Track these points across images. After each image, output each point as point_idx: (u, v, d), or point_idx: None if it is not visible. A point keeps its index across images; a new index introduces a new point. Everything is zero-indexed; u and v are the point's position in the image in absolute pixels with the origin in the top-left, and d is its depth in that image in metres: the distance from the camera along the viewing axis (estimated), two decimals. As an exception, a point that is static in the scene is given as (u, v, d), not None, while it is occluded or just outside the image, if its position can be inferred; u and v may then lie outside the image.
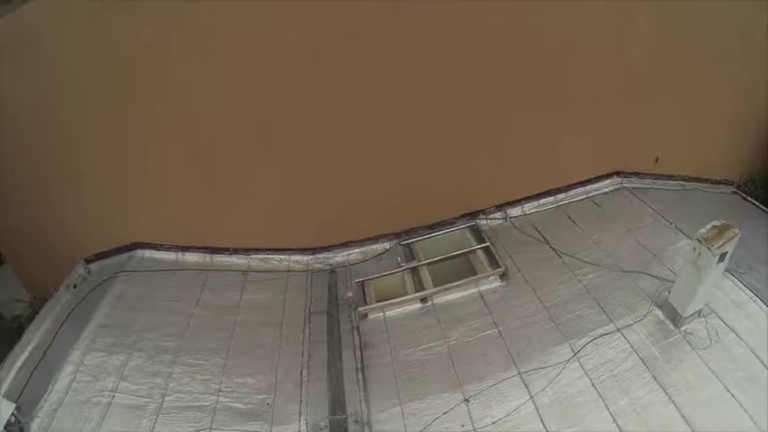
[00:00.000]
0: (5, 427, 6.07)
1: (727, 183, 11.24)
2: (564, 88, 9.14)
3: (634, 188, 10.11)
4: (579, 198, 9.83)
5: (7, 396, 6.46)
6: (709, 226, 6.21)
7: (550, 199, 9.71)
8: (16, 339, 10.33)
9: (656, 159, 10.61)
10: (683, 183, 10.76)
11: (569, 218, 9.31)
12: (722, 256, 6.11)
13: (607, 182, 10.09)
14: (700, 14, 9.36)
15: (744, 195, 11.20)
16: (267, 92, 8.12)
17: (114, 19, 8.10)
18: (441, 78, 8.27)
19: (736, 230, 6.16)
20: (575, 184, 9.95)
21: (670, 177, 10.63)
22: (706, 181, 11.04)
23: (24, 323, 10.81)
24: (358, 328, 7.51)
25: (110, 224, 9.65)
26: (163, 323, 7.85)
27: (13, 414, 6.07)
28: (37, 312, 10.17)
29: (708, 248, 5.96)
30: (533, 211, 9.57)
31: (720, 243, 5.97)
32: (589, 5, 8.58)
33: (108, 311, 8.06)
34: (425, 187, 8.87)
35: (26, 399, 6.82)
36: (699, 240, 6.09)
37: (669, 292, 6.93)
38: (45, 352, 7.73)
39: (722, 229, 6.11)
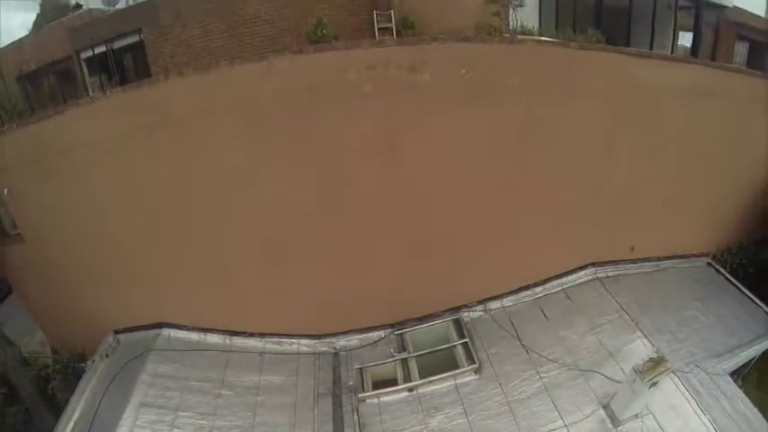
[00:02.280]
0: None
1: (702, 255, 12.36)
2: (544, 191, 10.28)
3: (607, 277, 11.21)
4: (554, 291, 11.04)
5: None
6: (646, 358, 7.84)
7: (528, 293, 10.97)
8: (49, 396, 12.36)
9: (632, 248, 11.65)
10: (657, 263, 11.86)
11: (542, 311, 10.62)
12: (654, 383, 7.66)
13: (582, 273, 11.23)
14: (673, 121, 10.49)
15: (717, 268, 12.31)
16: (283, 215, 9.50)
17: (134, 149, 9.29)
18: (429, 199, 9.63)
19: (668, 364, 7.77)
20: (551, 278, 11.07)
21: (645, 260, 11.68)
22: (681, 257, 12.07)
23: (52, 375, 12.26)
24: (357, 410, 9.14)
25: (137, 302, 10.90)
26: (196, 402, 9.32)
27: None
28: (65, 368, 12.14)
29: (641, 379, 7.57)
30: (511, 304, 10.88)
31: (653, 376, 7.60)
32: (570, 117, 9.72)
33: (146, 390, 9.40)
34: (416, 286, 10.20)
35: None
36: (635, 371, 7.69)
37: (612, 397, 8.42)
38: (91, 424, 9.15)
39: (656, 363, 7.72)
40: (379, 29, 10.17)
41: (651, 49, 13.83)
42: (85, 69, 12.62)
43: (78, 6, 17.21)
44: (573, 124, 9.87)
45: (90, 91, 12.43)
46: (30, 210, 11.06)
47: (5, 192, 11.15)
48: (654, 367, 7.65)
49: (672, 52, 14.10)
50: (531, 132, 9.66)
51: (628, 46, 13.40)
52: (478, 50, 9.06)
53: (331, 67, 8.39)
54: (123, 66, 12.56)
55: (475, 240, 10.18)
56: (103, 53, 12.22)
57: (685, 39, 14.97)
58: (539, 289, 11.10)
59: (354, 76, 8.33)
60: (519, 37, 10.25)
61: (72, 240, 10.77)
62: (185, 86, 8.71)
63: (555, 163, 10.13)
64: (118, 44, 12.06)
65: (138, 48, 11.65)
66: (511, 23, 11.71)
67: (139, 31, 11.51)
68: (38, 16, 29.98)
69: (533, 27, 11.76)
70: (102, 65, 12.39)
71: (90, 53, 12.47)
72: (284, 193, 9.22)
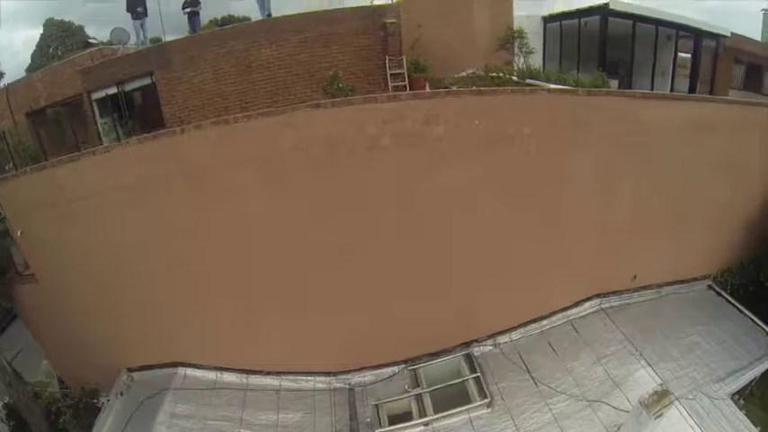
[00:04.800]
0: None
1: (703, 278, 12.74)
2: (550, 228, 10.64)
3: (611, 308, 11.58)
4: (561, 323, 11.33)
5: None
6: (651, 391, 8.05)
7: (535, 326, 11.26)
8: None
9: (634, 277, 12.00)
10: (659, 290, 12.23)
11: (550, 344, 10.90)
12: (659, 416, 7.90)
13: (587, 305, 11.58)
14: (674, 154, 10.91)
15: (717, 290, 12.71)
16: (301, 260, 9.72)
17: (151, 196, 9.46)
18: (442, 242, 9.92)
19: (672, 396, 8.05)
20: (558, 311, 11.37)
21: (647, 288, 12.05)
22: (682, 282, 12.48)
23: (63, 409, 12.18)
24: None
25: (152, 341, 11.08)
26: None
27: None
28: (77, 403, 12.08)
29: (647, 413, 7.82)
30: (519, 337, 11.13)
31: (658, 408, 7.85)
32: (576, 159, 10.09)
33: (165, 431, 9.52)
34: (429, 323, 10.42)
35: None
36: (641, 404, 7.93)
37: (619, 428, 8.69)
38: None
39: (661, 396, 7.95)
40: (391, 74, 10.50)
41: (653, 76, 14.41)
42: (97, 110, 12.76)
43: (89, 45, 17.39)
44: (579, 165, 10.24)
45: (101, 132, 12.60)
46: (43, 250, 11.18)
47: (19, 233, 11.31)
48: (659, 400, 7.89)
49: (672, 80, 14.59)
50: (539, 176, 10.01)
51: (631, 73, 14.09)
52: (492, 102, 9.40)
53: (349, 121, 8.67)
54: (135, 107, 12.76)
55: (485, 278, 10.47)
56: (115, 94, 12.38)
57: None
58: (545, 322, 11.38)
59: (372, 130, 8.61)
60: (528, 82, 10.63)
61: (86, 281, 10.93)
62: (203, 139, 8.94)
63: (561, 202, 10.51)
64: (129, 86, 12.24)
65: (151, 90, 11.83)
66: (517, 66, 12.17)
67: (151, 73, 11.69)
68: (41, 37, 30.08)
69: (538, 67, 12.14)
70: (113, 106, 12.54)
71: (101, 94, 12.60)
72: (303, 240, 9.45)
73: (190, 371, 10.85)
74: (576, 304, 11.53)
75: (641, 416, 7.96)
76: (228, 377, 10.76)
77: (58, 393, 13.18)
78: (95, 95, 12.81)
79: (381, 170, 8.92)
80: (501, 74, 11.02)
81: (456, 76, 11.60)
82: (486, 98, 9.30)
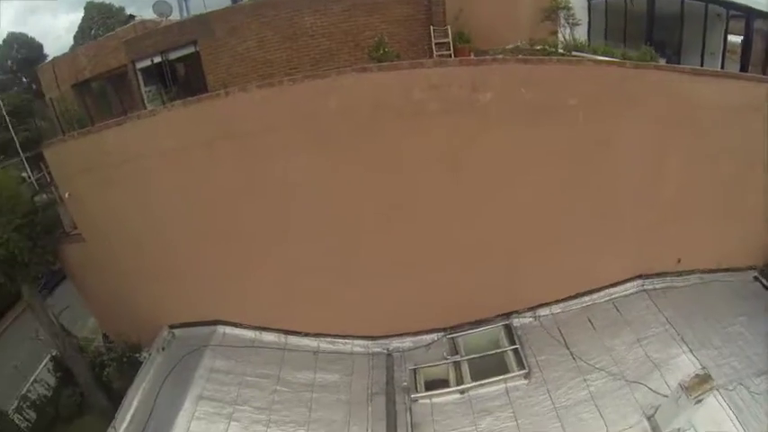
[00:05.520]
0: None
1: (750, 269, 12.15)
2: (596, 203, 10.45)
3: (654, 290, 11.26)
4: (602, 301, 11.10)
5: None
6: (692, 374, 7.91)
7: (576, 302, 11.06)
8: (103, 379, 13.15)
9: (679, 260, 11.64)
10: (702, 276, 11.77)
11: (590, 321, 10.73)
12: (699, 401, 7.74)
13: (629, 285, 11.29)
14: (723, 134, 10.46)
15: (763, 282, 12.04)
16: (344, 223, 9.85)
17: (194, 159, 9.68)
18: (487, 210, 9.88)
19: (713, 382, 7.84)
20: (600, 288, 11.15)
21: (691, 273, 11.66)
22: (726, 270, 11.94)
23: (107, 362, 13.06)
24: (410, 410, 9.41)
25: (193, 299, 11.45)
26: (252, 397, 9.76)
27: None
28: (120, 357, 12.81)
29: (686, 396, 7.68)
30: (560, 311, 11.01)
31: (698, 393, 7.69)
32: (623, 133, 9.84)
33: (203, 384, 9.91)
34: (470, 292, 10.46)
35: None
36: (681, 387, 7.79)
37: (656, 410, 8.55)
38: (150, 416, 9.66)
39: (702, 380, 7.79)
40: (436, 44, 10.40)
41: (702, 57, 13.82)
42: (141, 79, 13.05)
43: (131, 18, 17.70)
44: (626, 140, 9.98)
45: (145, 99, 12.87)
46: (89, 211, 11.63)
47: (66, 195, 11.68)
48: (700, 384, 7.72)
49: (722, 61, 14.06)
50: (585, 148, 9.82)
51: (679, 53, 13.56)
52: (538, 71, 9.20)
53: (395, 86, 8.62)
54: (178, 76, 12.97)
55: (528, 249, 10.39)
56: (159, 64, 12.62)
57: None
58: (587, 298, 11.20)
59: (419, 95, 8.54)
60: (574, 54, 10.37)
61: (130, 240, 11.30)
62: (247, 102, 9.03)
63: (607, 177, 10.29)
64: (173, 55, 12.46)
65: (194, 59, 12.04)
66: (563, 38, 11.91)
67: (195, 42, 11.86)
68: (83, 20, 30.85)
69: (583, 41, 11.86)
70: (157, 75, 12.80)
71: (145, 63, 12.89)
72: (346, 203, 9.51)
73: (229, 329, 11.17)
74: (619, 283, 11.28)
75: (680, 399, 7.85)
76: (267, 336, 11.03)
77: (103, 348, 13.84)
78: (140, 65, 13.12)
79: (428, 135, 8.87)
80: (546, 46, 10.79)
81: (500, 48, 11.37)
82: (532, 67, 9.11)
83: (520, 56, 9.70)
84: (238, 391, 9.89)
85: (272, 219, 9.89)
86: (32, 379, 16.69)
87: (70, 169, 11.51)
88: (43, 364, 16.86)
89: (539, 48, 10.86)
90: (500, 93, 8.82)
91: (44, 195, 14.44)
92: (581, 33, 12.39)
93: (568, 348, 10.27)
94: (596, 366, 9.77)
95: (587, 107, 9.35)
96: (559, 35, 11.89)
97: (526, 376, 9.80)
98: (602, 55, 10.95)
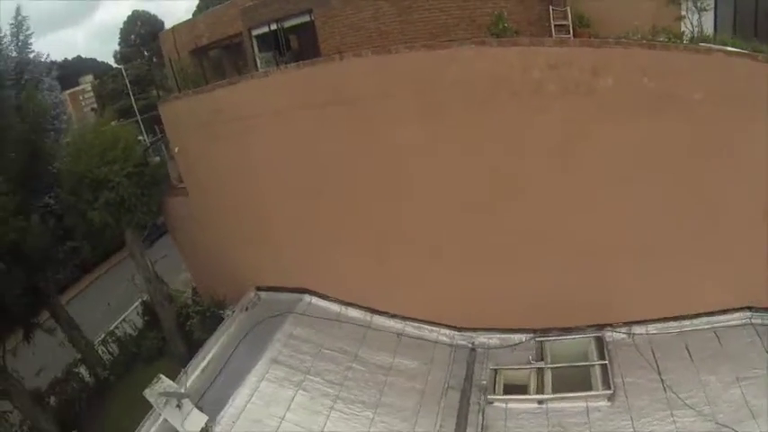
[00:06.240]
0: None
1: None
2: (710, 215, 9.28)
3: (762, 325, 9.76)
4: (703, 328, 9.85)
5: (189, 393, 8.64)
6: None
7: (674, 324, 9.93)
8: (187, 332, 13.83)
9: None
10: None
11: (687, 348, 9.53)
12: None
13: (736, 315, 9.88)
14: None
15: None
16: (445, 203, 9.47)
17: (303, 121, 9.79)
18: (592, 208, 9.15)
19: None
20: (702, 314, 9.95)
21: None
22: None
23: (191, 314, 13.85)
24: (484, 412, 8.93)
25: (283, 264, 11.58)
26: (326, 370, 9.67)
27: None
28: (205, 311, 13.50)
29: None
30: (656, 332, 9.95)
31: None
32: (749, 137, 8.64)
33: (280, 348, 9.97)
34: (564, 295, 9.72)
35: (206, 405, 8.90)
36: None
37: None
38: (222, 369, 9.86)
39: None
40: (555, 26, 9.91)
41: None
42: (256, 46, 13.58)
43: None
44: (752, 145, 8.66)
45: (259, 65, 13.37)
46: (195, 167, 12.20)
47: (176, 150, 12.36)
48: None
49: None
50: (706, 151, 8.72)
51: None
52: (663, 58, 8.33)
53: (514, 62, 8.18)
54: (292, 44, 13.35)
55: (630, 257, 9.50)
56: (274, 31, 13.04)
57: None
58: (687, 323, 9.92)
59: (537, 74, 8.05)
60: (702, 45, 9.44)
61: (230, 198, 11.70)
62: (362, 67, 8.97)
63: (724, 187, 9.04)
64: (288, 23, 12.82)
65: (308, 28, 12.30)
66: (690, 28, 10.88)
67: (310, 11, 12.11)
68: (198, 4, 33.14)
69: (709, 33, 10.78)
70: (272, 42, 13.24)
71: (261, 31, 13.38)
72: (450, 181, 9.19)
73: (315, 300, 11.21)
74: (724, 311, 9.85)
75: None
76: (353, 312, 10.93)
77: (190, 300, 14.57)
78: (255, 32, 13.66)
79: (543, 117, 8.34)
80: (670, 36, 9.90)
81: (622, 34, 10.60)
82: (657, 53, 8.27)
83: (644, 41, 8.91)
84: (313, 362, 9.88)
85: (375, 189, 9.79)
86: (122, 318, 18.33)
87: (182, 125, 12.17)
88: (134, 306, 18.54)
89: (661, 38, 10.00)
90: (621, 79, 8.11)
91: (157, 158, 15.42)
92: (708, 23, 11.21)
93: (660, 375, 9.15)
94: (687, 402, 8.59)
95: (712, 103, 8.29)
96: (686, 23, 10.82)
97: (610, 398, 8.90)
98: (732, 48, 9.83)
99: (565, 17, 10.10)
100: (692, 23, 10.83)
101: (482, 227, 9.52)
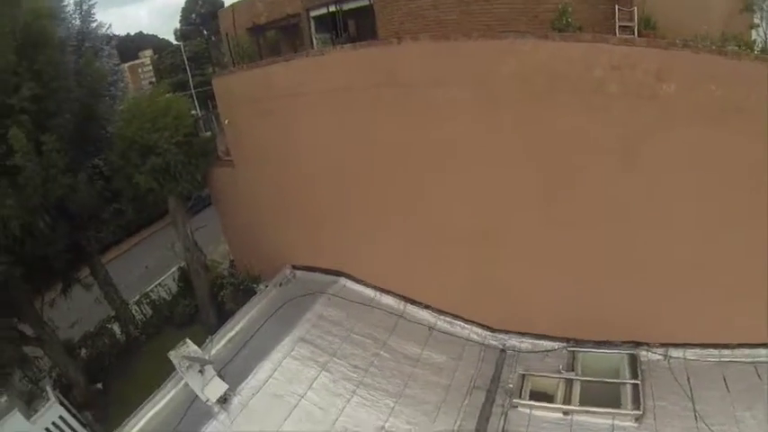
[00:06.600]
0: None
1: None
2: (758, 241, 8.58)
3: None
4: (743, 360, 9.31)
5: (213, 361, 8.82)
6: None
7: (714, 352, 9.43)
8: (219, 301, 14.19)
9: None
10: None
11: (724, 379, 9.05)
12: None
13: None
14: None
15: None
16: (492, 197, 9.28)
17: (354, 103, 9.77)
18: (645, 218, 8.72)
19: None
20: (743, 345, 9.40)
21: None
22: None
23: (225, 285, 14.26)
24: (506, 415, 8.73)
25: (321, 244, 11.64)
26: (352, 354, 9.65)
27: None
28: (239, 283, 13.79)
29: None
30: (694, 358, 9.48)
31: None
32: None
33: (308, 328, 10.02)
34: (603, 306, 9.44)
35: (228, 374, 9.02)
36: None
37: None
38: (248, 342, 9.98)
39: None
40: (620, 26, 9.51)
41: None
42: (313, 26, 13.67)
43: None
44: None
45: (315, 46, 13.43)
46: (243, 140, 12.42)
47: (226, 122, 12.58)
48: None
49: None
50: (762, 171, 8.06)
51: None
52: (734, 66, 7.80)
53: (575, 59, 7.85)
54: (349, 27, 13.37)
55: (677, 275, 9.05)
56: (332, 13, 13.08)
57: None
58: (727, 352, 9.40)
59: (599, 72, 7.71)
60: (770, 56, 8.86)
61: (274, 174, 11.85)
62: (419, 52, 8.87)
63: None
64: (347, 6, 12.83)
65: (367, 12, 12.29)
66: (762, 37, 10.28)
67: (369, -5, 12.06)
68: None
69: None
70: (329, 24, 13.30)
71: (319, 12, 13.45)
72: (500, 175, 9.00)
73: (350, 283, 11.23)
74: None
75: None
76: (387, 299, 10.90)
77: (226, 272, 14.86)
78: (313, 13, 13.75)
79: (604, 118, 7.98)
80: (740, 44, 9.34)
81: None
82: (726, 61, 7.75)
83: (713, 47, 8.42)
84: (341, 345, 9.88)
85: (421, 176, 9.69)
86: (158, 282, 18.86)
87: (234, 99, 12.38)
88: (170, 272, 19.14)
89: (731, 46, 9.45)
90: (687, 85, 7.67)
91: (208, 132, 15.79)
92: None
93: (693, 403, 8.70)
94: (717, 436, 8.19)
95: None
96: (759, 31, 10.28)
97: (638, 419, 8.51)
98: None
99: (631, 18, 9.66)
100: (765, 32, 10.29)
101: (526, 227, 9.27)
